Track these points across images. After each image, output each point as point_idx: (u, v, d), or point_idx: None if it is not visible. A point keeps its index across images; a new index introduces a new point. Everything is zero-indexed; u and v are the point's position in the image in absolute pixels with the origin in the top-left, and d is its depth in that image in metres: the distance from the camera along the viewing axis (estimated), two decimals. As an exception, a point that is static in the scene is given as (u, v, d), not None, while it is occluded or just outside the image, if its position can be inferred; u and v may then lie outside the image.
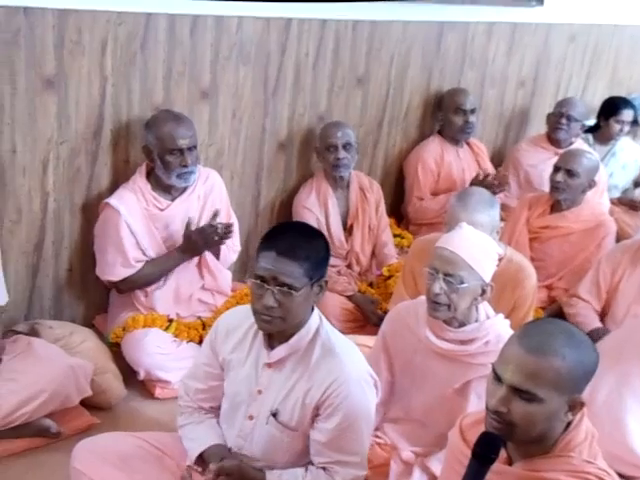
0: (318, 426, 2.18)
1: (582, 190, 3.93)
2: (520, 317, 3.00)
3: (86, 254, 3.41)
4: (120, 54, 3.22)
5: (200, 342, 3.27)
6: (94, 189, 3.37)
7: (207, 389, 2.39)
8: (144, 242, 3.31)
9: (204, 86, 3.57)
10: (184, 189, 3.38)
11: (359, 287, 3.96)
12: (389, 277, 4.00)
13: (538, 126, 5.33)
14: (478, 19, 4.74)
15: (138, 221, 3.28)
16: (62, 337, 3.10)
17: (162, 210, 3.35)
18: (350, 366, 2.18)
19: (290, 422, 2.21)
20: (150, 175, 3.35)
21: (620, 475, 2.50)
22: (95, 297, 3.56)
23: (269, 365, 2.23)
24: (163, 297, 3.41)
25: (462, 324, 2.51)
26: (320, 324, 2.23)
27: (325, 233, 3.94)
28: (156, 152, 3.23)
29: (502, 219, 3.59)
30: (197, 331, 3.39)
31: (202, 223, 3.39)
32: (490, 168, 4.76)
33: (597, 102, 5.45)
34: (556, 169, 3.93)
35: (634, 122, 5.21)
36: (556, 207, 3.99)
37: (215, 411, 2.41)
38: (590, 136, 5.21)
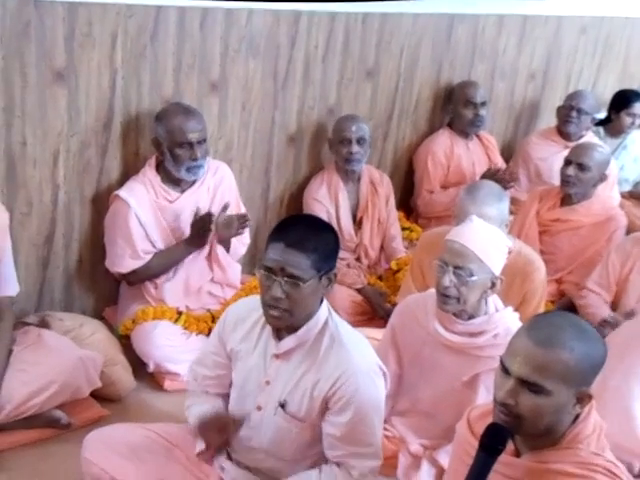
0: (331, 420, 2.18)
1: (593, 184, 3.91)
2: (530, 311, 2.98)
3: (96, 246, 3.43)
4: (130, 47, 3.23)
5: (209, 335, 3.27)
6: (104, 181, 3.38)
7: (214, 376, 2.41)
8: (153, 234, 3.33)
9: (214, 79, 3.57)
10: (193, 181, 3.39)
11: (368, 280, 3.97)
12: (398, 270, 4.00)
13: (548, 119, 5.31)
14: (488, 11, 4.72)
15: (147, 213, 3.29)
16: (72, 329, 3.11)
17: (171, 202, 3.36)
18: (359, 358, 2.18)
19: (298, 413, 2.21)
20: (159, 167, 3.35)
21: (629, 468, 2.51)
22: (105, 289, 3.58)
23: (277, 356, 2.23)
24: (173, 289, 3.42)
25: (471, 317, 2.52)
26: (329, 316, 2.23)
27: (335, 226, 3.93)
28: (166, 145, 3.24)
29: (512, 212, 3.59)
30: (206, 323, 3.40)
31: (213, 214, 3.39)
32: (500, 161, 4.74)
33: (608, 95, 5.42)
34: (567, 163, 3.91)
35: (645, 115, 5.18)
36: (566, 200, 3.98)
37: (222, 397, 2.42)
38: (601, 129, 5.19)
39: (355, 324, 3.29)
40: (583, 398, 1.72)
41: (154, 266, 3.35)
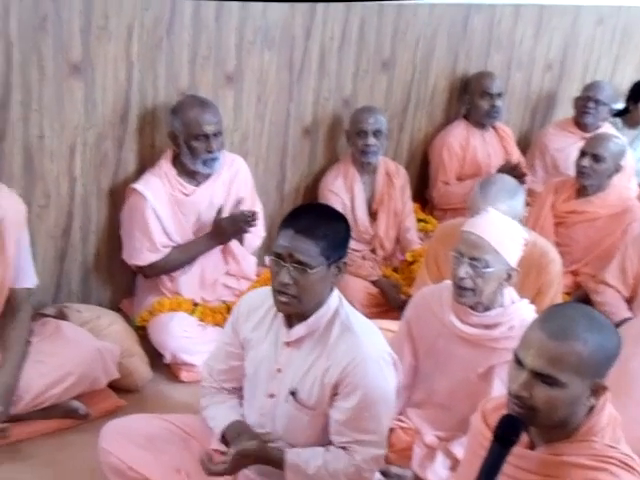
0: (337, 405, 2.20)
1: (608, 175, 3.89)
2: (546, 303, 2.96)
3: (113, 239, 3.45)
4: (146, 39, 3.24)
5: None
6: (121, 174, 3.40)
7: (228, 369, 2.42)
8: (170, 227, 3.35)
9: (229, 71, 3.58)
10: (209, 175, 3.40)
11: (383, 272, 3.97)
12: (413, 262, 4.00)
13: (565, 110, 5.27)
14: (505, 1, 4.69)
15: (164, 206, 3.31)
16: (90, 320, 3.14)
17: (187, 195, 3.38)
18: (369, 345, 2.19)
19: (309, 401, 2.23)
20: (176, 160, 3.37)
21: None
22: (122, 281, 3.60)
23: (288, 344, 2.25)
24: (188, 282, 3.44)
25: (487, 309, 2.51)
26: (340, 304, 2.24)
27: (350, 217, 3.96)
28: (182, 138, 3.25)
29: (527, 204, 3.58)
30: (222, 315, 3.42)
31: (227, 208, 3.41)
32: (516, 153, 4.72)
33: (626, 85, 5.38)
34: (582, 154, 3.89)
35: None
36: (582, 192, 3.96)
37: (237, 392, 2.43)
38: (618, 120, 5.15)
39: (370, 316, 3.29)
40: (597, 390, 1.72)
41: (173, 260, 3.38)
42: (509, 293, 2.55)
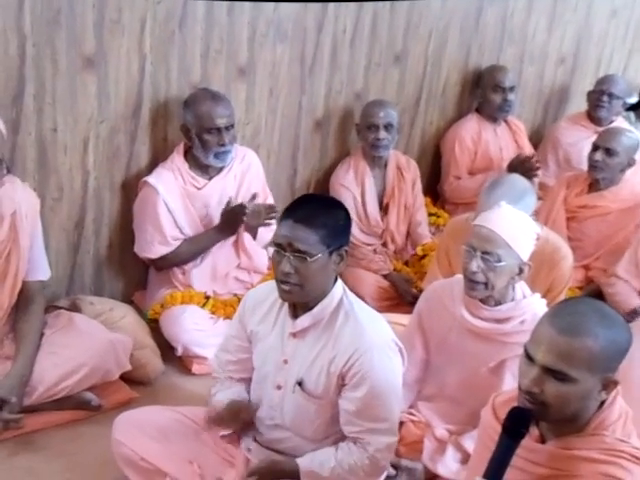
0: (346, 395, 2.21)
1: (621, 169, 3.87)
2: (557, 299, 2.96)
3: (125, 231, 3.47)
4: (159, 33, 3.25)
5: (237, 319, 3.31)
6: (133, 167, 3.42)
7: (237, 361, 2.44)
8: (181, 220, 3.36)
9: (241, 64, 3.58)
10: (221, 168, 3.41)
11: (394, 266, 3.97)
12: (423, 256, 4.00)
13: (578, 104, 5.24)
14: (518, -6, 4.68)
15: (176, 199, 3.32)
16: (102, 313, 3.16)
17: (199, 189, 3.39)
18: (374, 333, 2.20)
19: (315, 390, 2.24)
20: (188, 154, 3.38)
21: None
22: (134, 274, 3.62)
23: (294, 335, 2.26)
24: (200, 275, 3.46)
25: (498, 303, 2.51)
26: (344, 294, 2.26)
27: (361, 211, 3.97)
28: (194, 131, 3.26)
29: (539, 198, 3.56)
30: (233, 308, 3.42)
31: (238, 202, 3.41)
32: (528, 147, 4.70)
33: (639, 79, 5.35)
34: (595, 148, 3.87)
35: (678, 99, 5.11)
36: (594, 186, 3.94)
37: (245, 382, 2.46)
38: (632, 114, 5.12)
39: (381, 310, 3.31)
40: (608, 384, 1.72)
41: (183, 252, 3.39)
42: (521, 287, 2.55)
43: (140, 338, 3.15)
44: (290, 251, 2.11)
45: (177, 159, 3.35)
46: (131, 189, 3.41)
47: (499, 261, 2.41)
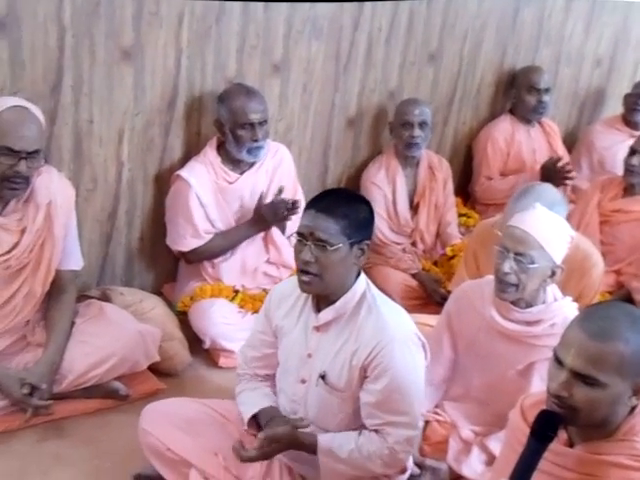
0: (367, 387, 2.22)
1: (657, 174, 3.83)
2: (583, 305, 2.93)
3: (157, 224, 3.49)
4: (196, 27, 3.27)
5: (264, 314, 3.32)
6: (166, 160, 3.44)
7: (262, 357, 2.46)
8: (213, 214, 3.38)
9: (276, 60, 3.59)
10: (253, 163, 3.42)
11: (423, 265, 3.96)
12: (453, 257, 3.98)
13: (614, 107, 5.18)
14: (556, -5, 4.63)
15: (208, 193, 3.34)
16: (132, 303, 3.19)
17: (231, 183, 3.40)
18: (396, 327, 2.21)
19: (338, 384, 2.25)
20: (220, 148, 3.40)
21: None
22: (164, 266, 3.65)
23: (317, 328, 2.27)
24: (229, 269, 3.48)
25: (529, 305, 2.50)
26: (367, 288, 2.27)
27: (391, 210, 3.97)
28: (228, 126, 3.28)
29: (572, 201, 3.53)
30: (262, 303, 3.39)
31: (269, 197, 3.43)
32: (562, 149, 4.66)
33: (677, 83, 5.27)
34: (632, 152, 3.82)
35: None
36: (629, 191, 3.89)
37: (270, 379, 2.47)
38: (669, 118, 5.05)
39: (409, 309, 3.29)
40: (639, 390, 1.70)
41: (214, 246, 3.41)
42: (552, 290, 2.53)
43: (169, 330, 3.17)
44: (311, 240, 2.14)
45: (210, 153, 3.37)
46: (164, 182, 3.43)
47: (532, 263, 2.40)
